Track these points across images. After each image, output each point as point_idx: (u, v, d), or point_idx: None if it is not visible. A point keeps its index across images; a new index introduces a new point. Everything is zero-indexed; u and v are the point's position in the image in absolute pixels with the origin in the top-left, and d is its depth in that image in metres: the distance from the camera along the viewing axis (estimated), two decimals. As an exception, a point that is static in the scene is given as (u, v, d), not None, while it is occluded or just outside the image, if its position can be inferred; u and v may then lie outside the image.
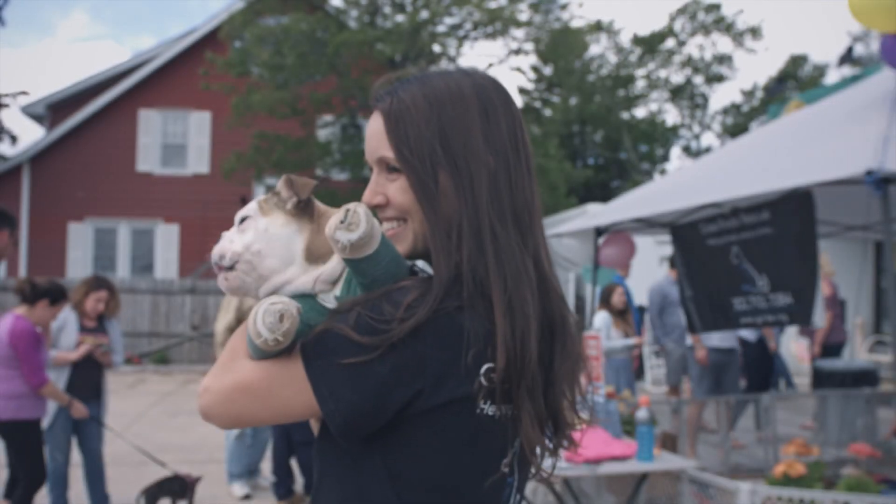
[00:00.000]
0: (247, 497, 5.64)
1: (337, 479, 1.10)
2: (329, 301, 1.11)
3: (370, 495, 1.06)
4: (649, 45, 24.96)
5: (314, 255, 1.12)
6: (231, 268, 1.12)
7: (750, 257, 5.19)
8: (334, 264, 1.12)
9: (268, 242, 1.12)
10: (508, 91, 1.18)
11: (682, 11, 24.68)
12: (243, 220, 1.15)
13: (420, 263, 1.19)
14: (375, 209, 1.16)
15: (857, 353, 10.52)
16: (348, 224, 1.02)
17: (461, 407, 1.02)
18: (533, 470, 1.15)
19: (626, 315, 6.87)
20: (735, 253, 5.29)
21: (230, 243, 1.13)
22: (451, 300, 1.03)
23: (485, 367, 1.02)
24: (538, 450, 1.11)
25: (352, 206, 1.04)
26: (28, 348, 4.33)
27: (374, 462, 1.05)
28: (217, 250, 1.13)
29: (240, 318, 5.71)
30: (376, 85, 1.20)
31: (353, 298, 1.06)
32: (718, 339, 6.59)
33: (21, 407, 4.35)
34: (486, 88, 1.14)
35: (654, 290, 7.52)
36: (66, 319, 4.90)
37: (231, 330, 5.69)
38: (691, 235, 5.80)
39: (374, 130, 1.15)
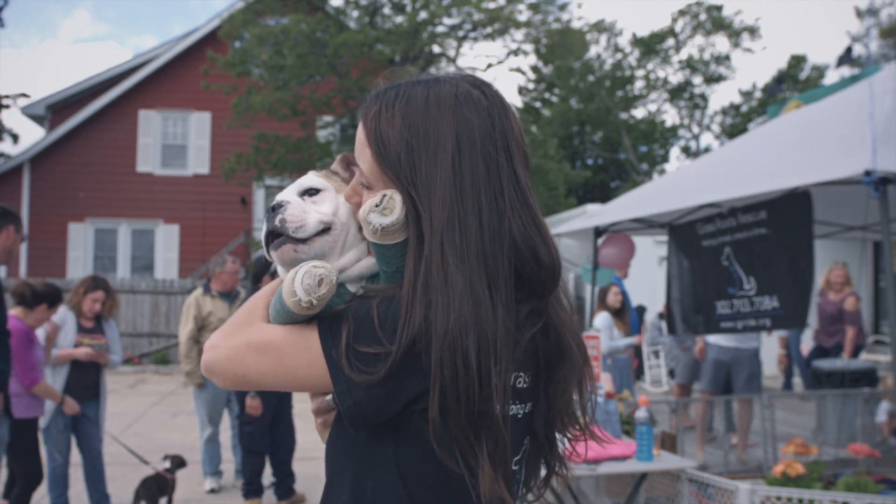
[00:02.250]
0: (212, 491, 5.82)
1: (348, 475, 1.11)
2: (354, 289, 1.13)
3: (381, 492, 1.06)
4: (648, 45, 24.95)
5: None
6: (304, 240, 1.09)
7: (740, 259, 5.20)
8: (371, 261, 1.13)
9: (350, 216, 1.13)
10: (502, 111, 1.12)
11: (684, 12, 24.68)
12: (311, 192, 1.14)
13: None
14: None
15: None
16: (383, 209, 1.04)
17: None
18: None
19: (624, 315, 6.89)
20: (727, 254, 5.30)
21: (306, 213, 1.10)
22: None
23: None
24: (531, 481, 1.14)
25: (389, 192, 1.06)
26: (20, 347, 4.35)
27: (386, 458, 1.06)
28: (291, 219, 1.09)
29: (200, 326, 5.74)
30: (375, 83, 1.19)
31: (377, 287, 1.08)
32: (728, 337, 6.54)
33: (15, 406, 4.35)
34: (468, 119, 1.08)
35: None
36: (64, 319, 4.93)
37: (194, 339, 5.71)
38: (688, 235, 5.81)
39: (358, 136, 1.14)
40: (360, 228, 1.14)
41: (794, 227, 4.73)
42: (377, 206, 1.04)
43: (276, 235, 1.11)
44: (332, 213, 1.11)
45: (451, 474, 1.04)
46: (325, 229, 1.11)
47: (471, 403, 0.98)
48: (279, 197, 1.14)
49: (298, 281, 1.02)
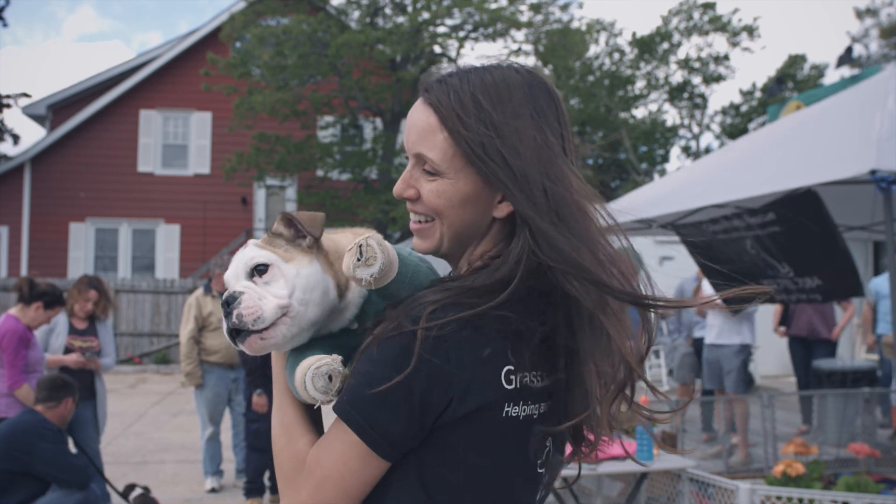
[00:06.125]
0: (213, 491, 5.82)
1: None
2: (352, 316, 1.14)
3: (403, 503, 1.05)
4: (646, 45, 24.92)
5: (342, 289, 1.11)
6: (267, 328, 1.06)
7: (766, 250, 5.19)
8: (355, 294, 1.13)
9: (307, 289, 1.08)
10: (554, 88, 1.16)
11: (676, 11, 24.66)
12: (259, 269, 1.09)
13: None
14: (404, 199, 1.16)
15: (857, 353, 10.53)
16: (366, 260, 1.02)
17: (488, 412, 1.03)
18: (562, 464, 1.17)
19: None
20: (751, 245, 5.28)
21: (262, 300, 1.06)
22: (474, 303, 1.02)
23: (505, 369, 1.03)
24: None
25: (362, 240, 1.03)
26: (11, 349, 4.35)
27: (408, 473, 1.04)
28: (248, 314, 1.05)
29: (201, 326, 5.74)
30: (424, 74, 1.18)
31: (373, 326, 1.06)
32: (713, 334, 6.54)
33: (10, 405, 4.36)
34: (533, 86, 1.12)
35: (677, 288, 7.79)
36: (56, 321, 4.90)
37: (194, 339, 5.70)
38: (697, 233, 5.79)
39: (418, 123, 1.12)
40: (340, 285, 1.12)
41: (807, 224, 4.72)
42: (358, 259, 1.02)
43: (238, 331, 1.08)
44: (288, 294, 1.06)
45: (474, 481, 1.04)
46: (285, 313, 1.07)
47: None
48: (230, 285, 1.09)
49: (310, 386, 1.03)
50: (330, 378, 1.03)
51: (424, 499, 1.04)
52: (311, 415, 1.13)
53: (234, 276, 1.10)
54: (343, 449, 1.02)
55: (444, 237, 1.12)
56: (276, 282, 1.07)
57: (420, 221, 1.14)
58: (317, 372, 1.03)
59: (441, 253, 1.14)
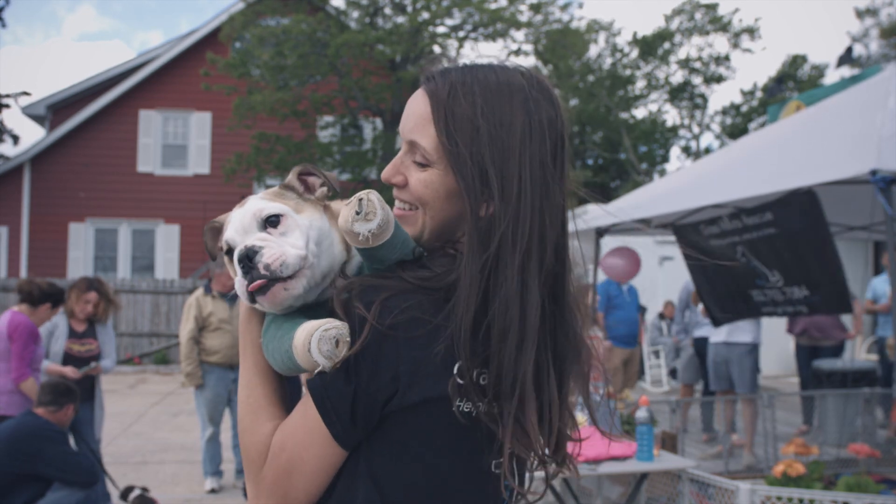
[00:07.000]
0: (212, 491, 5.81)
1: None
2: None
3: (355, 497, 1.05)
4: (647, 45, 24.92)
5: (348, 245, 1.11)
6: (291, 276, 1.03)
7: (758, 255, 5.20)
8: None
9: (319, 240, 1.07)
10: (558, 98, 1.14)
11: (678, 11, 24.66)
12: (272, 221, 1.06)
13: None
14: (392, 185, 1.15)
15: (857, 353, 10.53)
16: (365, 214, 1.00)
17: (437, 406, 1.02)
18: (526, 478, 1.15)
19: (594, 315, 6.98)
20: (741, 252, 5.29)
21: (281, 248, 1.03)
22: (428, 297, 1.02)
23: (457, 364, 1.01)
24: (531, 457, 1.11)
25: (363, 194, 1.02)
26: (21, 341, 4.39)
27: (358, 463, 1.05)
28: (273, 261, 1.02)
29: (201, 326, 5.73)
30: (429, 61, 1.18)
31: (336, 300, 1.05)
32: (719, 332, 6.52)
33: (11, 404, 4.37)
34: (536, 94, 1.10)
35: (683, 288, 7.92)
36: (56, 324, 4.90)
37: (194, 339, 5.69)
38: (693, 236, 5.80)
39: (416, 111, 1.11)
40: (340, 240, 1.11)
41: (803, 225, 4.72)
42: (358, 213, 1.01)
43: (252, 290, 1.03)
44: (304, 244, 1.04)
45: (423, 474, 1.04)
46: (303, 265, 1.05)
47: (519, 372, 1.02)
48: (237, 242, 1.06)
49: (315, 350, 0.98)
50: (337, 344, 0.99)
51: (375, 494, 1.04)
52: (281, 398, 1.13)
53: (242, 230, 1.06)
54: (304, 435, 1.03)
55: (426, 227, 1.11)
56: (291, 232, 1.05)
57: (404, 209, 1.13)
58: (325, 335, 0.99)
59: (422, 243, 1.13)
